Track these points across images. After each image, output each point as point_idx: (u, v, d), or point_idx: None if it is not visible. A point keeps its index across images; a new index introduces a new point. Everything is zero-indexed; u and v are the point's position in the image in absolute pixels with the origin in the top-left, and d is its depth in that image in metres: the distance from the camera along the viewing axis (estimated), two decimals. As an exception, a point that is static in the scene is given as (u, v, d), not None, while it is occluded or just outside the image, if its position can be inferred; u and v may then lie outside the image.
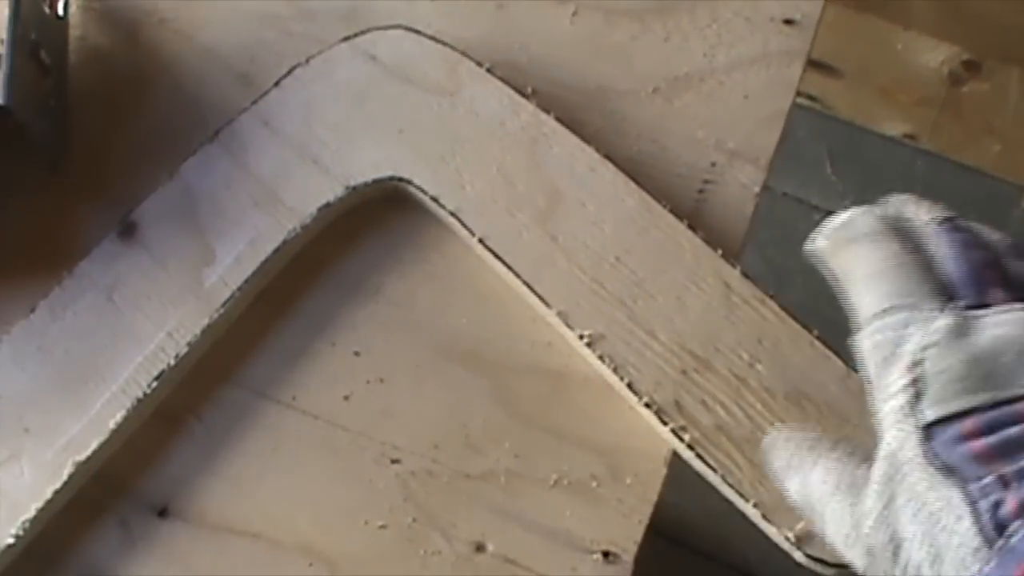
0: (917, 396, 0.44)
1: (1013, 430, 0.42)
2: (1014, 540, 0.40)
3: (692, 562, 1.00)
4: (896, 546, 0.43)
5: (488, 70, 0.60)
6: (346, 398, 0.58)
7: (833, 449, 0.49)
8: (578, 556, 0.55)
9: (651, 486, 0.56)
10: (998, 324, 0.45)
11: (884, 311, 0.47)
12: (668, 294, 0.56)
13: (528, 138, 0.59)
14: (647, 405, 0.55)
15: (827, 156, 1.14)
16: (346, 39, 0.61)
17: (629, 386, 0.55)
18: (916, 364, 0.44)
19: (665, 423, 0.54)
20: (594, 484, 0.56)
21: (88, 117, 0.63)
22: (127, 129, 0.63)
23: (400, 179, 0.59)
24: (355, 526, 0.56)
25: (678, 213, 0.57)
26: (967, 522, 0.41)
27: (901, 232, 0.49)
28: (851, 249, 0.49)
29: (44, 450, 0.55)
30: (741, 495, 0.53)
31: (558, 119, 0.59)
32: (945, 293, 0.47)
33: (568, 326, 0.56)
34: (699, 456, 0.54)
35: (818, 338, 0.56)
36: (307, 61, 0.61)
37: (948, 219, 0.49)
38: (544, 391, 0.57)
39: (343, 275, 0.60)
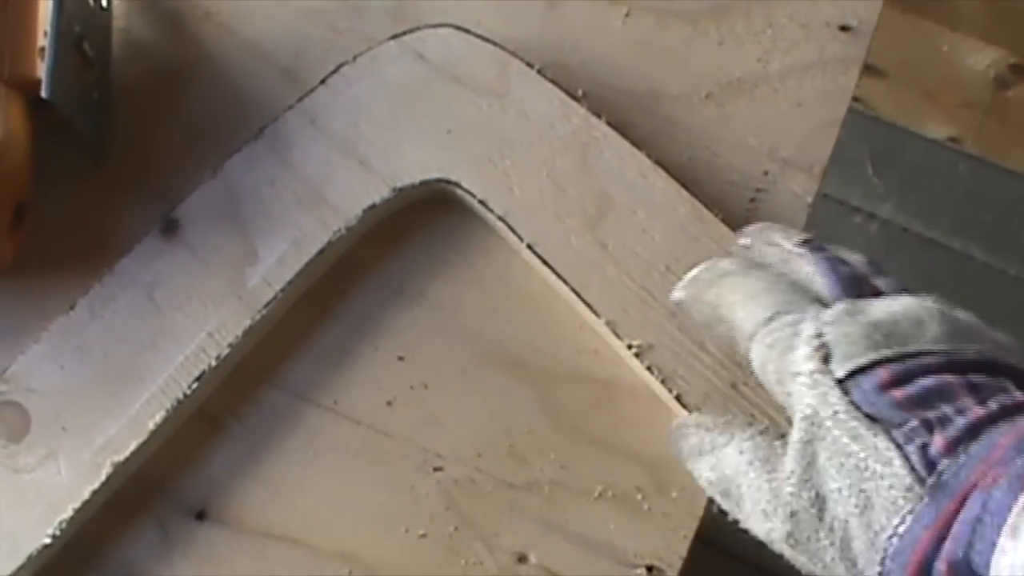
0: (825, 359, 0.45)
1: (928, 380, 0.44)
2: (945, 476, 0.41)
3: (727, 565, 0.99)
4: (821, 504, 0.44)
5: (539, 71, 0.59)
6: (389, 403, 0.57)
7: (746, 428, 0.49)
8: (621, 570, 0.54)
9: (697, 500, 0.55)
10: (888, 304, 0.46)
11: (770, 318, 0.48)
12: None
13: (579, 142, 0.58)
14: None
15: (869, 157, 1.13)
16: (394, 37, 0.60)
17: (678, 398, 0.54)
18: (818, 336, 0.45)
19: None
20: (639, 497, 0.55)
21: (131, 110, 0.62)
22: (170, 123, 0.62)
23: (448, 181, 0.58)
24: (396, 534, 0.55)
25: (729, 222, 0.56)
26: (897, 464, 0.42)
27: (763, 265, 0.51)
28: (722, 283, 0.51)
29: (82, 450, 0.55)
30: None
31: (609, 123, 0.58)
32: (819, 300, 0.48)
33: (616, 335, 0.56)
34: None
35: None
36: (354, 59, 0.60)
37: (807, 241, 0.51)
38: (589, 400, 0.57)
39: (387, 277, 0.59)
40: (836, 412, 0.44)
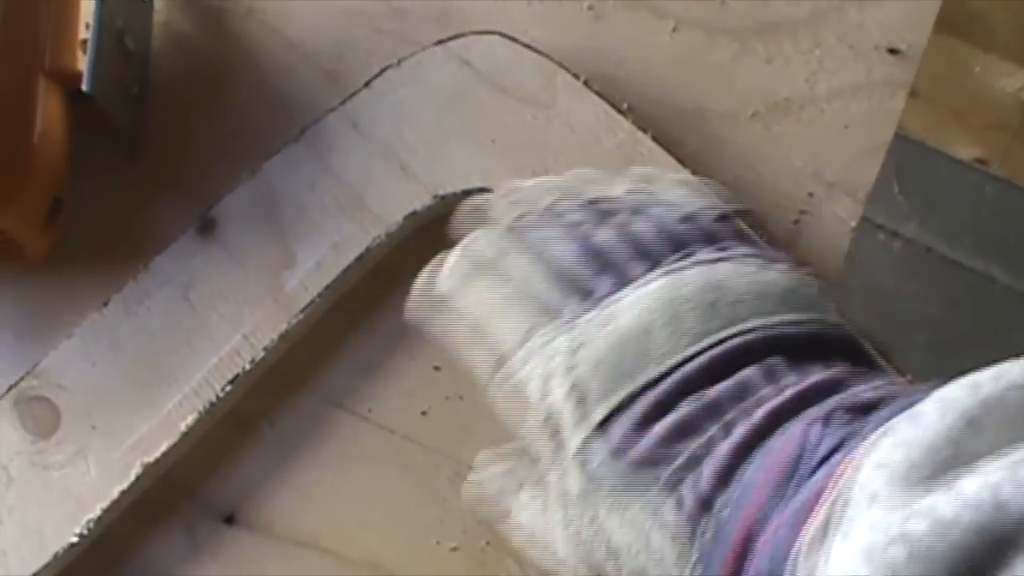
0: (581, 400, 0.42)
1: (688, 403, 0.41)
2: (724, 514, 0.39)
3: None
4: (616, 559, 0.42)
5: (585, 83, 0.59)
6: (423, 413, 0.57)
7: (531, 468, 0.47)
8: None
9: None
10: (637, 301, 0.43)
11: (525, 333, 0.45)
12: None
13: (623, 156, 0.58)
14: None
15: (895, 175, 1.13)
16: (440, 42, 0.60)
17: None
18: (571, 369, 0.43)
19: None
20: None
21: (168, 106, 0.62)
22: (207, 121, 0.62)
23: (490, 191, 0.58)
24: (426, 546, 0.55)
25: (772, 243, 0.56)
26: (670, 515, 0.40)
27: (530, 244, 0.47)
28: (469, 294, 0.48)
29: (112, 448, 0.55)
30: None
31: (655, 139, 0.58)
32: (579, 289, 0.45)
33: None
34: None
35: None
36: (398, 63, 0.60)
37: (548, 208, 0.48)
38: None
39: (425, 286, 0.59)
40: (602, 462, 0.42)
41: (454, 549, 0.55)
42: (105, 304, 0.57)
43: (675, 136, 0.59)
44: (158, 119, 0.62)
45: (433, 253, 0.58)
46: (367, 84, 0.60)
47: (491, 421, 0.56)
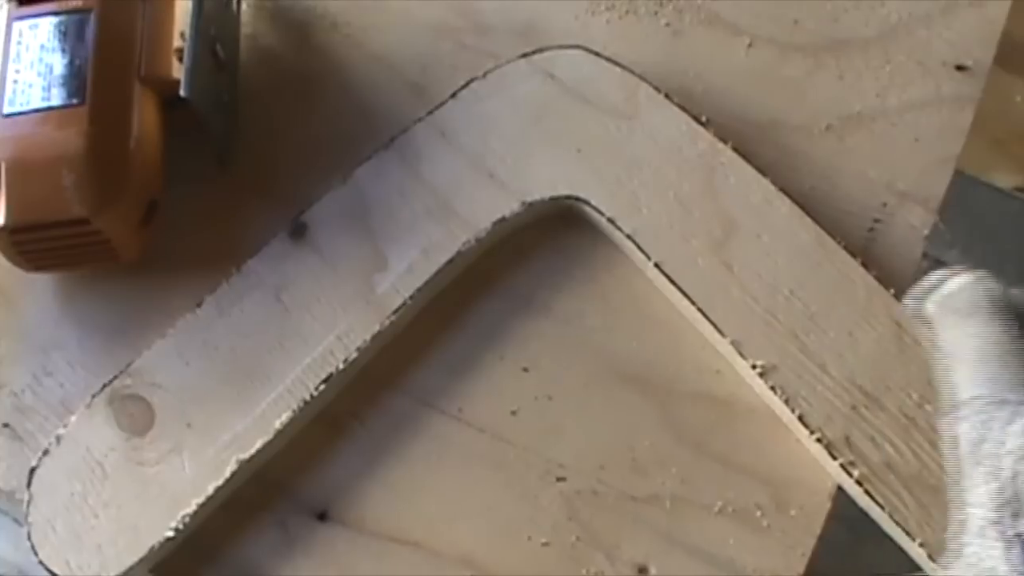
0: (1015, 515, 0.45)
1: None
2: None
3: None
4: None
5: (666, 96, 0.61)
6: (513, 413, 0.59)
7: None
8: (740, 585, 0.56)
9: (815, 519, 0.57)
10: None
11: (975, 398, 0.49)
12: (840, 330, 0.58)
13: (705, 166, 0.60)
14: (818, 439, 0.56)
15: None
16: (524, 56, 0.63)
17: (800, 418, 0.56)
18: (1012, 478, 0.46)
19: (835, 457, 0.55)
20: (758, 514, 0.57)
21: (257, 116, 0.65)
22: (294, 130, 0.65)
23: (577, 198, 0.60)
24: (518, 542, 0.57)
25: (851, 250, 0.59)
26: None
27: (1010, 311, 0.51)
28: (959, 324, 0.52)
29: (206, 446, 0.56)
30: (907, 533, 0.54)
31: (735, 149, 0.60)
32: None
33: (741, 355, 0.57)
34: (867, 492, 0.55)
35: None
36: (484, 75, 0.63)
37: None
38: (711, 418, 0.59)
39: (513, 289, 0.61)
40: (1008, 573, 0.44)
41: (545, 544, 0.57)
42: (198, 305, 0.59)
43: (752, 148, 0.61)
44: (248, 128, 0.64)
45: (520, 258, 0.60)
46: (454, 95, 0.62)
47: (578, 422, 0.58)
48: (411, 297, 0.59)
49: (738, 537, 0.57)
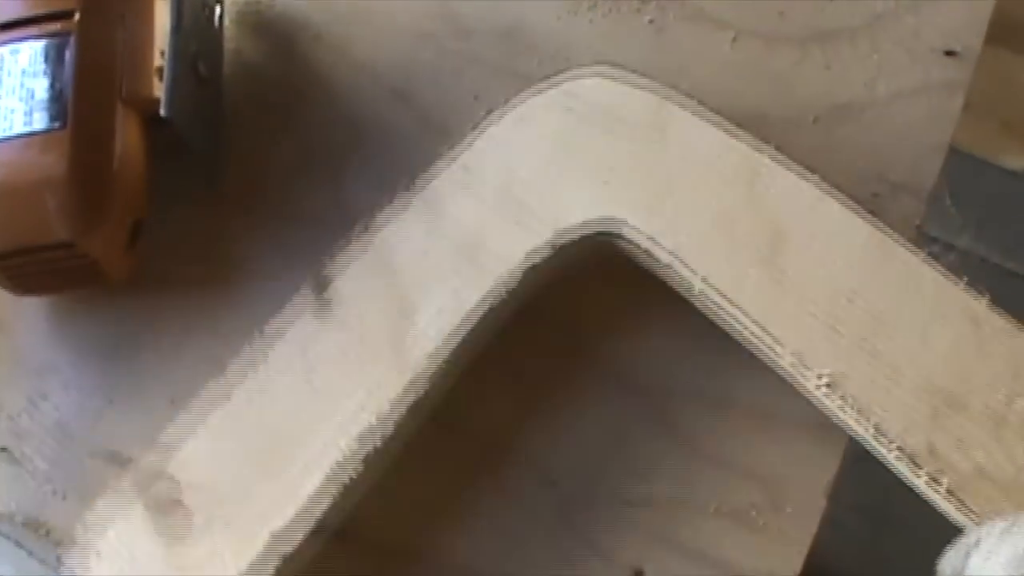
0: None
1: None
2: None
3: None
4: None
5: (699, 104, 0.60)
6: (505, 418, 0.59)
7: None
8: (737, 586, 0.56)
9: (811, 517, 0.57)
10: None
11: None
12: (911, 331, 0.55)
13: (744, 176, 0.58)
14: (898, 449, 0.53)
15: (947, 187, 1.15)
16: (544, 80, 0.61)
17: (876, 429, 0.53)
18: None
19: (919, 468, 0.52)
20: (753, 513, 0.57)
21: (243, 131, 0.66)
22: (282, 144, 0.65)
23: (609, 233, 0.58)
24: (511, 548, 0.58)
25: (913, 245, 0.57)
26: None
27: None
28: None
29: (247, 546, 0.54)
30: None
31: (777, 148, 0.59)
32: None
33: (804, 367, 0.55)
34: (961, 503, 0.52)
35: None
36: (505, 104, 0.61)
37: None
38: (705, 418, 0.59)
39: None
40: None
41: (539, 550, 0.58)
42: (227, 397, 0.57)
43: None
44: (234, 144, 0.65)
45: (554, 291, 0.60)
46: (474, 127, 0.61)
47: (571, 424, 0.59)
48: (448, 356, 0.56)
49: (734, 537, 0.57)
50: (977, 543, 0.48)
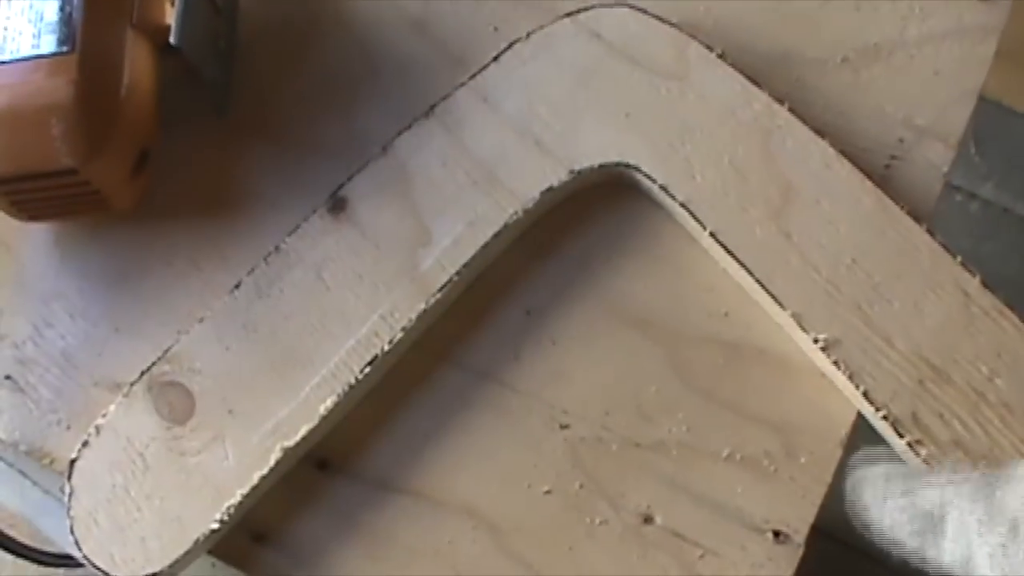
0: None
1: None
2: None
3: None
4: None
5: (719, 55, 0.60)
6: (516, 358, 0.59)
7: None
8: (748, 534, 0.56)
9: (826, 467, 0.56)
10: None
11: None
12: (905, 300, 0.56)
13: (761, 129, 0.58)
14: (883, 416, 0.54)
15: (972, 136, 1.14)
16: (569, 15, 0.61)
17: (865, 395, 0.54)
18: None
19: (901, 435, 0.54)
20: (766, 461, 0.57)
21: (255, 60, 0.64)
22: (295, 73, 0.64)
23: (627, 165, 0.59)
24: (520, 490, 0.57)
25: (916, 215, 0.57)
26: None
27: None
28: None
29: (250, 433, 0.56)
30: None
31: (791, 111, 0.59)
32: None
33: (802, 328, 0.56)
34: None
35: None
36: (527, 36, 0.60)
37: None
38: (719, 363, 0.58)
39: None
40: None
41: (547, 492, 0.57)
42: (236, 287, 0.58)
43: (764, 82, 0.60)
44: (246, 72, 0.64)
45: (567, 226, 0.59)
46: (496, 58, 0.60)
47: (582, 367, 0.58)
48: (458, 273, 0.57)
49: (746, 485, 0.56)
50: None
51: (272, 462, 0.55)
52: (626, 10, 0.60)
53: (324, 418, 0.56)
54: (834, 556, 0.82)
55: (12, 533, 0.59)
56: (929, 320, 0.55)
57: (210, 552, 0.56)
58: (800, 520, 0.56)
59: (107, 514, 0.55)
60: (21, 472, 0.62)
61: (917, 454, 0.53)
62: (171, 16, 0.59)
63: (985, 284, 0.56)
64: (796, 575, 0.55)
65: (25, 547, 0.60)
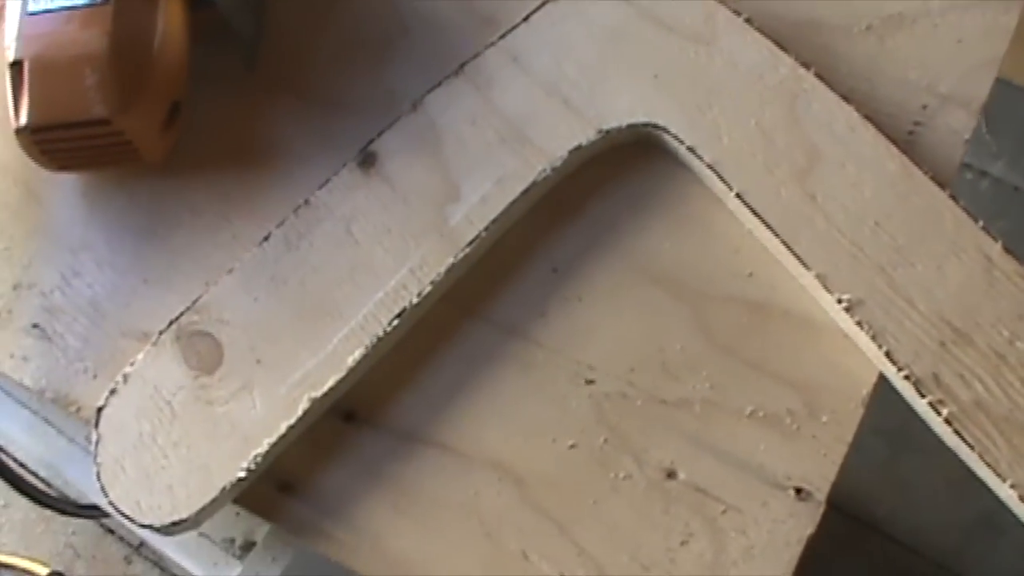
0: None
1: None
2: None
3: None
4: None
5: (747, 20, 0.60)
6: (542, 315, 0.59)
7: None
8: (769, 491, 0.56)
9: (847, 426, 0.57)
10: None
11: None
12: (928, 263, 0.56)
13: (787, 93, 0.59)
14: (905, 376, 0.55)
15: (983, 114, 1.15)
16: None
17: (887, 355, 0.55)
18: None
19: (923, 395, 0.54)
20: (789, 420, 0.57)
21: (285, 15, 0.65)
22: (323, 28, 0.65)
23: (656, 126, 0.59)
24: (545, 444, 0.57)
25: (938, 180, 0.57)
26: None
27: None
28: None
29: (277, 384, 0.56)
30: (998, 475, 0.53)
31: (818, 75, 0.59)
32: None
33: (826, 289, 0.56)
34: (956, 432, 0.54)
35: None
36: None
37: None
38: (743, 322, 0.59)
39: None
40: None
41: (572, 447, 0.57)
42: (266, 239, 0.58)
43: (789, 48, 0.60)
44: (276, 27, 0.64)
45: (595, 186, 0.60)
46: (526, 18, 0.61)
47: (608, 323, 0.58)
48: (486, 229, 0.58)
49: (768, 442, 0.57)
50: None
51: (300, 412, 0.55)
52: (657, -30, 0.61)
53: (352, 370, 0.56)
54: (843, 529, 0.83)
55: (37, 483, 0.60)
56: (951, 283, 0.56)
57: (236, 501, 0.57)
58: (821, 478, 0.56)
59: (134, 462, 0.55)
60: (46, 420, 0.62)
61: (939, 413, 0.54)
62: (205, -31, 0.60)
63: (1007, 249, 0.56)
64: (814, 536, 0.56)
65: (49, 496, 0.60)
